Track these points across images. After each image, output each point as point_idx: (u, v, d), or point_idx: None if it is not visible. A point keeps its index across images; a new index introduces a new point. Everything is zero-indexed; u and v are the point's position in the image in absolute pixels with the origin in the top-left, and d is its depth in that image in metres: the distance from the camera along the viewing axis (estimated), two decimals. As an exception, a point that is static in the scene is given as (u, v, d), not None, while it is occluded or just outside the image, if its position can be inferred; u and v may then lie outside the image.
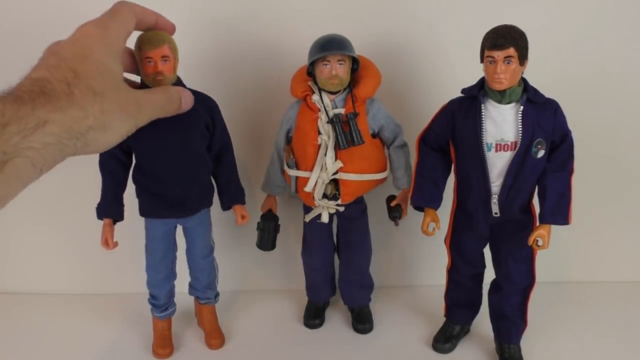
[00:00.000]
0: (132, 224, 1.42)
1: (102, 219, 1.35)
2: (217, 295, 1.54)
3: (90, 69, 0.35)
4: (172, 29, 0.50)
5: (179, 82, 1.27)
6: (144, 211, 1.37)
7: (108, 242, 1.33)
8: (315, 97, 1.36)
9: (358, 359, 1.46)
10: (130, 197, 1.37)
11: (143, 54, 1.15)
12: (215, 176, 1.42)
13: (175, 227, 1.43)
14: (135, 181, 1.35)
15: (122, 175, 1.35)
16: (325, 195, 1.42)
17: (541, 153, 1.19)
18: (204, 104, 1.32)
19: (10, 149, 0.32)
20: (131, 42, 1.26)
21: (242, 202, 1.44)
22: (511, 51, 1.12)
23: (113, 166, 1.33)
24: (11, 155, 0.32)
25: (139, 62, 1.16)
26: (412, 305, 1.69)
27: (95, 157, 1.35)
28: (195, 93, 1.30)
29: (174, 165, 1.29)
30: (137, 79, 1.21)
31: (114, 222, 1.36)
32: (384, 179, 1.46)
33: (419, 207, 1.36)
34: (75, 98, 0.33)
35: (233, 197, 1.43)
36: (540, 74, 1.25)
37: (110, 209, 1.35)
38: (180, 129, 1.26)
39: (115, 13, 0.40)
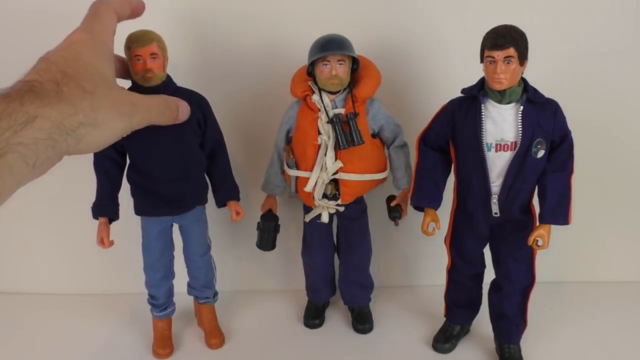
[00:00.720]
0: (132, 224, 1.42)
1: (97, 219, 1.36)
2: (215, 294, 1.55)
3: (80, 71, 0.35)
4: (143, 7, 0.51)
5: (169, 81, 1.28)
6: (139, 210, 1.38)
7: (104, 241, 1.34)
8: (315, 97, 1.36)
9: (358, 359, 1.46)
10: (129, 197, 1.38)
11: (132, 52, 1.17)
12: (209, 173, 1.43)
13: (172, 225, 1.43)
14: (129, 180, 1.35)
15: (117, 175, 1.36)
16: (325, 195, 1.42)
17: (541, 153, 1.19)
18: (194, 101, 1.33)
19: (2, 144, 0.32)
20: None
21: (237, 198, 1.45)
22: (511, 51, 1.11)
23: (107, 166, 1.34)
24: (3, 150, 0.32)
25: (129, 61, 1.18)
26: (412, 305, 1.69)
27: (91, 158, 1.35)
28: (186, 91, 1.32)
29: (167, 163, 1.30)
30: (127, 84, 1.21)
31: (110, 222, 1.37)
32: (384, 179, 1.46)
33: (419, 207, 1.36)
34: (64, 95, 0.34)
35: (227, 194, 1.43)
36: (540, 73, 1.25)
37: (105, 208, 1.35)
38: (173, 127, 1.26)
39: (96, 15, 0.41)
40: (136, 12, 0.47)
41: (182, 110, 0.45)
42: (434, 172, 1.33)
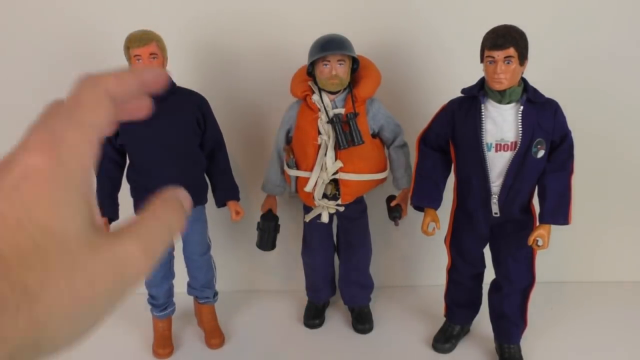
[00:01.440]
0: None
1: None
2: (215, 294, 1.55)
3: (25, 250, 0.20)
4: (164, 80, 0.28)
5: (169, 81, 1.28)
6: (139, 209, 1.38)
7: None
8: (315, 97, 1.36)
9: (358, 359, 1.46)
10: (129, 197, 1.38)
11: (131, 52, 1.19)
12: (209, 173, 1.43)
13: None
14: (129, 180, 1.36)
15: (117, 175, 1.37)
16: (325, 195, 1.42)
17: (541, 153, 1.19)
18: (194, 101, 1.33)
19: None
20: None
21: (237, 198, 1.45)
22: (511, 51, 1.11)
23: (107, 166, 1.34)
24: None
25: (128, 61, 1.20)
26: (412, 305, 1.69)
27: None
28: (185, 90, 1.34)
29: (167, 163, 1.31)
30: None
31: (110, 222, 1.37)
32: (384, 179, 1.46)
33: (419, 207, 1.36)
34: None
35: (227, 193, 1.44)
36: (540, 74, 1.25)
37: (105, 208, 1.36)
38: (172, 127, 1.28)
39: (78, 107, 0.23)
40: (151, 86, 0.27)
41: (186, 203, 0.26)
42: (434, 172, 1.33)
